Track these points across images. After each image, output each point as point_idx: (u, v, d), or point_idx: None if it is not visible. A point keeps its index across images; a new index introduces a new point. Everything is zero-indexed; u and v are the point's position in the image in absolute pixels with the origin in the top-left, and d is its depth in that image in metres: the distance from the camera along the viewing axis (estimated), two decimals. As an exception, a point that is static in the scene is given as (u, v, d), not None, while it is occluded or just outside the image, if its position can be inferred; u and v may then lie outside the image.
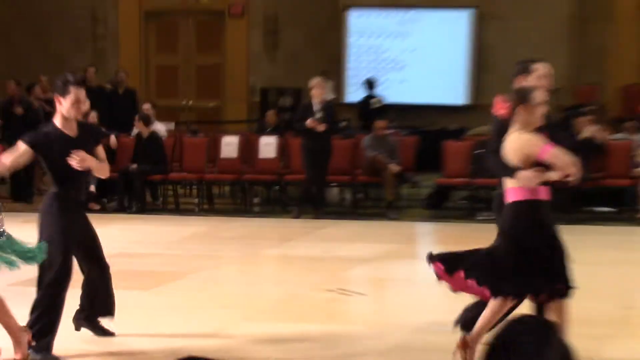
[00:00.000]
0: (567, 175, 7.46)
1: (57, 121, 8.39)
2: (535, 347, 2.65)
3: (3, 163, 8.33)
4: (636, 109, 19.82)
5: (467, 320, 8.18)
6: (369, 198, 18.42)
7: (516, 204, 7.53)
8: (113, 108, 20.06)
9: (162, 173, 18.19)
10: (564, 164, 7.41)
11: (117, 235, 15.22)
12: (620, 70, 22.10)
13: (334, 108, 17.87)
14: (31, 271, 10.97)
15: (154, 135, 18.33)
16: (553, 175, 7.42)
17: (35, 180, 19.48)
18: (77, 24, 25.38)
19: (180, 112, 24.23)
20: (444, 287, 12.49)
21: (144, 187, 18.19)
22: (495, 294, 7.62)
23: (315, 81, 17.38)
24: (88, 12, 25.31)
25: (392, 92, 22.29)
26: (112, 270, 9.87)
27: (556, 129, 8.19)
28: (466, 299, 11.14)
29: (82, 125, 8.64)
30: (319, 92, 17.14)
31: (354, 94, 22.48)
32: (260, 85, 24.04)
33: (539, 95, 7.54)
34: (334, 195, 18.64)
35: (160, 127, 19.23)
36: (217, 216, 17.58)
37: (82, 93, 8.39)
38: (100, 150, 8.64)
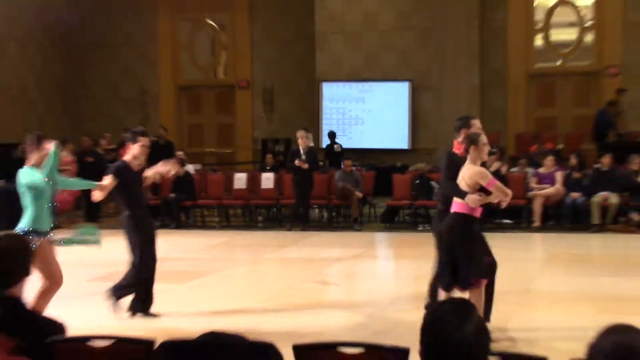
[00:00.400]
0: (501, 201, 7.57)
1: (128, 160, 8.83)
2: (457, 321, 2.62)
3: (105, 186, 8.69)
4: (527, 150, 19.85)
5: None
6: (341, 215, 18.38)
7: (457, 214, 7.55)
8: (156, 155, 19.91)
9: (192, 200, 18.18)
10: (502, 193, 7.56)
11: (161, 245, 15.13)
12: (514, 122, 22.17)
13: (315, 152, 17.85)
14: (106, 269, 10.92)
15: (186, 174, 18.32)
16: (492, 199, 7.51)
17: (102, 206, 19.41)
18: (129, 95, 25.35)
19: (205, 157, 24.24)
20: (396, 279, 12.54)
21: (179, 211, 18.15)
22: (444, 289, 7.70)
23: (300, 133, 17.40)
24: (137, 86, 25.27)
25: (355, 140, 22.34)
26: (158, 270, 9.84)
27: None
28: (413, 284, 11.14)
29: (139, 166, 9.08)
30: (303, 141, 17.16)
31: (328, 141, 22.46)
32: (261, 136, 24.01)
33: (484, 139, 7.64)
34: (315, 214, 18.62)
35: (191, 168, 19.19)
36: (232, 230, 17.52)
37: (146, 141, 8.93)
38: None
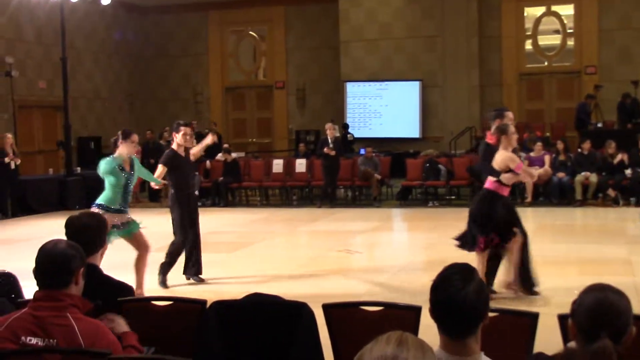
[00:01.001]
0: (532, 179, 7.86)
1: (174, 148, 8.72)
2: (461, 282, 2.59)
3: (158, 175, 8.67)
4: (520, 138, 19.61)
5: None
6: (363, 194, 18.32)
7: (487, 190, 7.68)
8: (209, 147, 20.01)
9: (238, 182, 18.18)
10: (529, 175, 7.84)
11: (211, 220, 15.19)
12: (509, 114, 21.96)
13: (340, 141, 17.79)
14: (161, 243, 10.94)
15: (233, 160, 18.33)
16: (521, 179, 7.87)
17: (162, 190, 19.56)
18: (184, 95, 25.48)
19: (247, 146, 24.25)
20: (410, 247, 12.50)
21: (227, 191, 18.17)
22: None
23: (328, 125, 17.33)
24: (191, 87, 25.41)
25: (374, 131, 22.30)
26: (209, 242, 9.85)
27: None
28: (424, 252, 11.09)
29: (186, 150, 8.95)
30: (331, 132, 17.08)
31: (352, 132, 22.44)
32: (295, 128, 24.02)
33: (512, 129, 7.68)
34: (341, 193, 18.56)
35: (236, 155, 19.22)
36: (271, 208, 17.51)
37: (188, 129, 8.75)
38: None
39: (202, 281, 8.95)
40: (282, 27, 24.53)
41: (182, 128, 8.77)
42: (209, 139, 9.20)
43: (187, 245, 8.85)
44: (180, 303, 4.26)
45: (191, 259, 8.93)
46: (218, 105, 25.32)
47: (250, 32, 25.36)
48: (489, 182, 7.66)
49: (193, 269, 8.96)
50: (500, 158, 7.57)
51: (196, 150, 9.12)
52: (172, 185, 8.89)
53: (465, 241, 7.84)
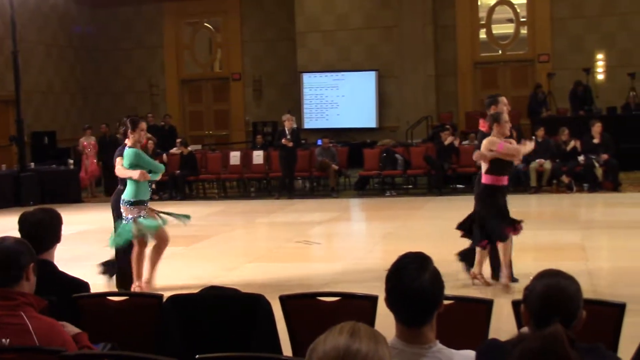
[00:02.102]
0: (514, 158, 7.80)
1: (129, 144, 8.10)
2: (416, 271, 2.61)
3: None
4: (475, 126, 19.83)
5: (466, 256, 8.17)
6: (320, 185, 18.34)
7: (485, 186, 7.78)
8: (163, 138, 19.94)
9: (195, 175, 18.09)
10: (511, 152, 7.64)
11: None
12: (464, 103, 22.21)
13: (298, 132, 17.77)
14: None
15: (190, 153, 18.23)
16: (501, 156, 7.53)
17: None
18: (140, 87, 25.22)
19: (204, 138, 24.10)
20: (368, 237, 12.55)
21: (184, 184, 18.05)
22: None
23: (285, 116, 17.32)
24: (147, 80, 25.13)
25: (332, 121, 22.33)
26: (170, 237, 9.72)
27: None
28: (382, 241, 11.13)
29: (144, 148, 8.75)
30: (288, 123, 17.06)
31: (309, 123, 22.48)
32: (251, 120, 23.94)
33: (505, 117, 7.68)
34: (299, 184, 18.56)
35: (193, 148, 19.13)
36: (229, 200, 17.45)
37: (144, 125, 8.27)
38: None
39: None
40: (238, 19, 24.41)
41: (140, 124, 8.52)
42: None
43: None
44: (136, 298, 4.24)
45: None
46: (174, 97, 25.14)
47: (206, 24, 25.20)
48: (484, 176, 7.67)
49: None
50: (484, 144, 7.62)
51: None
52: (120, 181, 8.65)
53: (491, 236, 7.74)
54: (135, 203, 7.66)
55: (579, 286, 2.60)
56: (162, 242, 7.93)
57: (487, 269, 7.92)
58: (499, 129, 7.60)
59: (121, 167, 7.82)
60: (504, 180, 7.74)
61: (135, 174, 7.64)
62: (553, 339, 2.33)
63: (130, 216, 7.68)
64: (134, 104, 24.76)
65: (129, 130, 7.78)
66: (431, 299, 2.67)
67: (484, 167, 7.71)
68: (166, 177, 17.77)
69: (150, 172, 7.83)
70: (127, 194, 7.71)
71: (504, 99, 8.15)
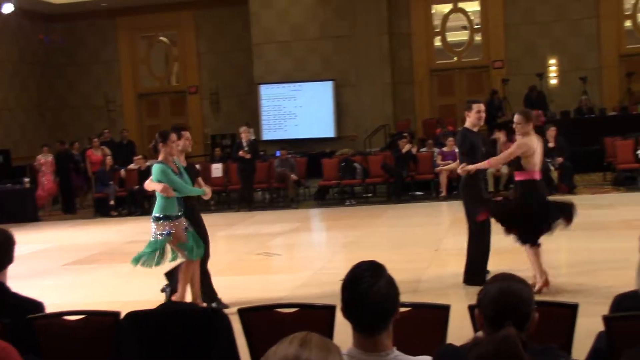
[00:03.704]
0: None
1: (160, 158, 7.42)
2: (371, 279, 2.63)
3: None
4: (432, 133, 20.03)
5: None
6: (280, 196, 18.31)
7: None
8: (121, 153, 19.78)
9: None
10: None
11: (128, 230, 14.99)
12: (421, 111, 22.40)
13: (256, 144, 17.75)
14: (81, 254, 10.72)
15: (149, 167, 18.06)
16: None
17: (77, 200, 19.22)
18: (97, 102, 25.01)
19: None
20: (328, 246, 12.53)
21: (144, 199, 17.88)
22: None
23: (242, 128, 17.25)
24: (103, 95, 24.92)
25: (290, 132, 22.36)
26: (126, 252, 9.59)
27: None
28: (342, 250, 11.13)
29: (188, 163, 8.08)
30: (245, 135, 17.01)
31: (267, 134, 22.47)
32: (210, 133, 23.86)
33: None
34: (259, 196, 18.51)
35: (151, 162, 18.96)
36: (189, 214, 17.28)
37: (188, 134, 7.87)
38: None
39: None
40: (193, 31, 24.35)
41: (183, 132, 7.88)
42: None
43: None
44: (92, 316, 4.18)
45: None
46: (131, 112, 24.97)
47: (161, 38, 25.11)
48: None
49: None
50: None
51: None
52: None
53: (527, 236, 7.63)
54: (162, 218, 7.23)
55: (531, 289, 2.64)
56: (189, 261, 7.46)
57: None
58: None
59: (149, 181, 7.38)
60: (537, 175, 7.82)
61: (159, 187, 7.18)
62: (506, 342, 2.36)
63: (157, 232, 7.29)
64: (91, 119, 24.60)
65: (160, 144, 7.27)
66: (387, 306, 2.68)
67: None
68: (125, 193, 17.73)
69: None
70: (155, 209, 7.33)
71: (478, 106, 8.26)
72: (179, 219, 7.33)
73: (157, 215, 7.27)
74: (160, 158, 7.29)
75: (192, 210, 7.78)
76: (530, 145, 7.62)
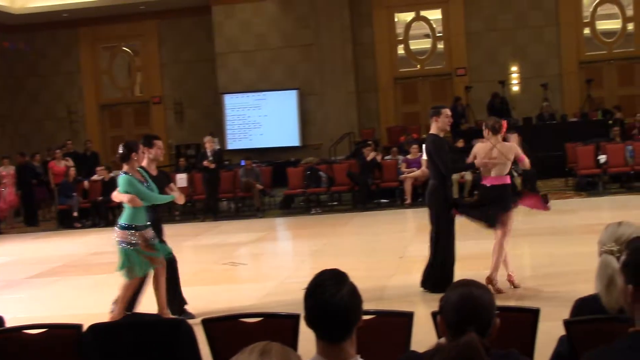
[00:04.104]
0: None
1: (144, 164, 7.67)
2: (334, 287, 2.63)
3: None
4: (397, 141, 20.15)
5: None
6: (245, 205, 18.27)
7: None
8: (84, 164, 19.61)
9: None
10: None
11: (92, 241, 14.86)
12: (385, 118, 22.51)
13: (220, 154, 17.70)
14: (43, 267, 10.59)
15: (112, 179, 17.92)
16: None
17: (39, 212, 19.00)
18: (59, 114, 24.77)
19: (127, 163, 23.75)
20: (294, 255, 12.52)
21: (107, 210, 17.74)
22: None
23: (206, 138, 17.25)
24: (65, 106, 24.69)
25: (255, 141, 22.34)
26: (92, 263, 9.49)
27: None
28: (309, 259, 11.12)
29: (160, 171, 8.16)
30: (209, 145, 16.99)
31: (232, 144, 22.43)
32: (174, 143, 23.73)
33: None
34: (224, 205, 18.44)
35: (115, 173, 18.83)
36: (154, 224, 17.17)
37: (161, 142, 7.93)
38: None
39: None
40: (156, 41, 24.24)
41: (155, 142, 7.89)
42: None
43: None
44: (54, 330, 4.13)
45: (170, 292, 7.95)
46: (94, 123, 24.78)
47: (124, 48, 24.95)
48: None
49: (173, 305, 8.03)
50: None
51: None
52: None
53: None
54: (127, 228, 7.16)
55: (492, 295, 2.66)
56: (159, 267, 7.43)
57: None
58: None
59: (116, 192, 7.33)
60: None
61: (126, 198, 7.12)
62: (468, 348, 2.38)
63: (119, 239, 7.20)
64: (54, 130, 24.37)
65: (133, 153, 7.26)
66: (350, 314, 2.68)
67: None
68: (88, 204, 17.57)
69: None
70: (122, 218, 7.26)
71: (446, 111, 8.32)
72: (146, 229, 7.27)
73: (124, 223, 7.21)
74: (124, 169, 7.25)
75: (159, 221, 7.85)
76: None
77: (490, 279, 7.81)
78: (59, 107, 24.80)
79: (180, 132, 24.16)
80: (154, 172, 7.74)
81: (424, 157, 8.44)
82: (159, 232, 7.70)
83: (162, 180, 7.83)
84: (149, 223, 7.31)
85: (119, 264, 7.26)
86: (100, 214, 17.55)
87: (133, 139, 7.77)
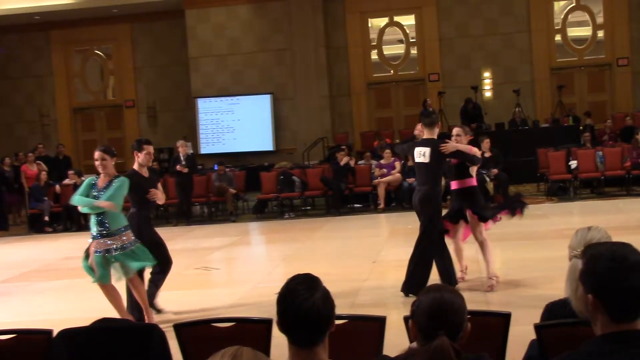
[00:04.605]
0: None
1: (136, 167, 7.97)
2: (307, 292, 2.63)
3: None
4: (370, 145, 20.20)
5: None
6: (219, 210, 18.22)
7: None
8: (56, 168, 19.44)
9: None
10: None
11: (64, 246, 14.73)
12: (359, 123, 22.57)
13: (193, 158, 17.63)
14: (15, 271, 10.44)
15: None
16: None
17: (10, 216, 18.77)
18: (30, 117, 24.57)
19: (99, 167, 23.59)
20: (268, 259, 12.49)
21: (79, 215, 17.56)
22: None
23: (179, 142, 17.19)
24: (37, 109, 24.48)
25: (228, 146, 22.27)
26: (63, 268, 9.41)
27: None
28: (282, 263, 11.10)
29: (150, 170, 8.29)
30: (183, 149, 16.93)
31: (205, 148, 22.35)
32: (148, 147, 23.58)
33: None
34: (197, 210, 18.37)
35: (85, 178, 18.68)
36: (126, 229, 17.05)
37: (151, 148, 8.02)
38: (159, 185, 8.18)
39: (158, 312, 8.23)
40: (129, 45, 24.11)
41: (144, 146, 8.02)
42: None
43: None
44: (24, 335, 4.08)
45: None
46: (66, 126, 24.58)
47: (96, 51, 24.77)
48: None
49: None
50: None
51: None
52: (132, 204, 8.08)
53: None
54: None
55: (463, 299, 2.67)
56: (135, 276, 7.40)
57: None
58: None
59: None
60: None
61: (104, 204, 7.32)
62: (440, 352, 2.39)
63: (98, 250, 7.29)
64: (25, 134, 24.17)
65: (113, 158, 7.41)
66: (323, 318, 2.68)
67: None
68: (60, 209, 17.41)
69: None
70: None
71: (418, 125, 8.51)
72: (96, 239, 7.33)
73: (96, 233, 7.34)
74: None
75: (146, 217, 8.05)
76: None
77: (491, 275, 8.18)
78: (30, 110, 24.59)
79: (153, 136, 23.99)
80: (145, 175, 7.97)
81: (414, 161, 8.50)
82: (147, 231, 7.86)
83: (153, 182, 8.04)
84: (122, 228, 7.29)
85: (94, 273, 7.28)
86: (72, 218, 17.40)
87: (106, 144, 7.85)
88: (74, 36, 24.19)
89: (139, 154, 7.94)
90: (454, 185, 8.52)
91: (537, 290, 7.71)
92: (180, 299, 8.93)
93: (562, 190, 16.89)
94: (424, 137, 8.23)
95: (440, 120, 20.02)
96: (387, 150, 17.44)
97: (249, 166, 20.35)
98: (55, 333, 4.00)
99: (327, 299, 2.73)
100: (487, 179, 16.15)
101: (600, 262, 2.31)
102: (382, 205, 16.56)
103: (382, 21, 22.85)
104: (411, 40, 22.65)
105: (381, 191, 16.66)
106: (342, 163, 17.14)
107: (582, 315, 3.11)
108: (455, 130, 8.33)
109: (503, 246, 11.03)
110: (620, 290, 2.28)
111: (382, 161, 17.34)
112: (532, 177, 17.57)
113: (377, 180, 16.89)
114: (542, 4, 21.79)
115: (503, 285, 8.40)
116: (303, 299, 2.65)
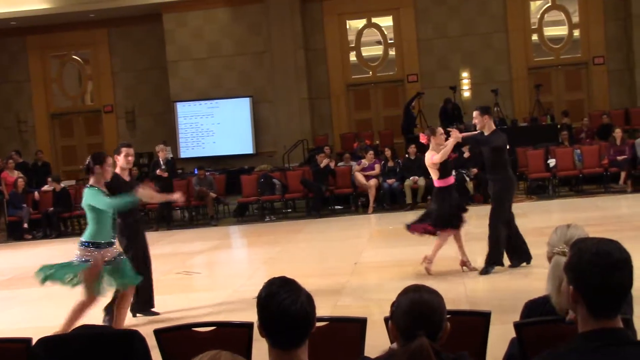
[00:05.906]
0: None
1: (117, 171, 7.78)
2: (289, 294, 2.63)
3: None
4: (350, 147, 20.23)
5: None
6: (199, 214, 18.17)
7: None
8: (35, 175, 19.31)
9: (69, 211, 17.55)
10: (446, 152, 9.36)
11: (44, 252, 14.61)
12: (338, 125, 22.57)
13: (173, 162, 17.58)
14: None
15: (63, 189, 17.70)
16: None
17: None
18: (7, 123, 24.35)
19: (78, 174, 23.40)
20: (249, 263, 12.47)
21: (59, 221, 17.50)
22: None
23: (159, 147, 17.16)
24: (14, 115, 24.27)
25: (208, 149, 22.20)
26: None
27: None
28: (263, 266, 11.08)
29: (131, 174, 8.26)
30: (162, 153, 16.91)
31: (185, 152, 22.28)
32: (127, 152, 23.44)
33: (440, 130, 9.57)
34: (178, 214, 18.31)
35: (66, 183, 18.59)
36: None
37: (130, 150, 7.97)
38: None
39: (153, 315, 8.27)
40: (107, 50, 23.97)
41: (122, 149, 7.95)
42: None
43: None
44: (3, 344, 4.04)
45: (143, 293, 8.16)
46: (44, 132, 24.38)
47: (74, 56, 24.61)
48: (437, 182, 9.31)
49: (142, 305, 8.27)
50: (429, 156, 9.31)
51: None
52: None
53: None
54: (89, 245, 7.04)
55: (442, 299, 2.68)
56: (89, 300, 7.23)
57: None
58: (435, 142, 9.28)
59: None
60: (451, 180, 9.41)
61: None
62: (419, 352, 2.39)
63: (80, 258, 7.05)
64: (2, 140, 23.97)
65: (96, 166, 7.04)
66: (306, 321, 2.68)
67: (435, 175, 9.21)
68: (39, 215, 17.31)
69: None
70: (85, 234, 7.09)
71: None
72: (108, 247, 7.09)
73: (85, 240, 7.08)
74: (91, 182, 7.08)
75: (133, 223, 7.95)
76: None
77: (463, 262, 9.08)
78: (7, 116, 24.37)
79: (133, 140, 23.79)
80: (127, 178, 7.93)
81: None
82: (137, 237, 7.90)
83: (133, 186, 7.91)
84: (113, 240, 7.19)
85: (51, 266, 7.12)
86: (51, 224, 17.29)
87: (98, 151, 7.73)
88: (51, 41, 24.02)
89: (118, 157, 7.89)
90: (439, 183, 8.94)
91: (516, 288, 7.75)
92: (161, 303, 8.87)
93: (541, 189, 17.00)
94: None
95: (419, 122, 20.19)
96: (370, 151, 17.47)
97: (229, 170, 20.30)
98: (34, 341, 3.97)
99: (310, 300, 2.73)
100: (467, 179, 16.25)
101: (584, 256, 2.33)
102: (371, 210, 16.51)
103: (360, 23, 22.87)
104: (389, 42, 22.69)
105: (372, 193, 16.63)
106: (322, 165, 17.15)
107: (563, 312, 3.13)
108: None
109: (484, 245, 11.07)
110: (600, 287, 2.30)
111: (363, 161, 17.34)
112: (512, 176, 17.61)
113: (369, 182, 16.77)
114: (519, 4, 21.91)
115: (482, 284, 8.45)
116: (291, 302, 2.64)
